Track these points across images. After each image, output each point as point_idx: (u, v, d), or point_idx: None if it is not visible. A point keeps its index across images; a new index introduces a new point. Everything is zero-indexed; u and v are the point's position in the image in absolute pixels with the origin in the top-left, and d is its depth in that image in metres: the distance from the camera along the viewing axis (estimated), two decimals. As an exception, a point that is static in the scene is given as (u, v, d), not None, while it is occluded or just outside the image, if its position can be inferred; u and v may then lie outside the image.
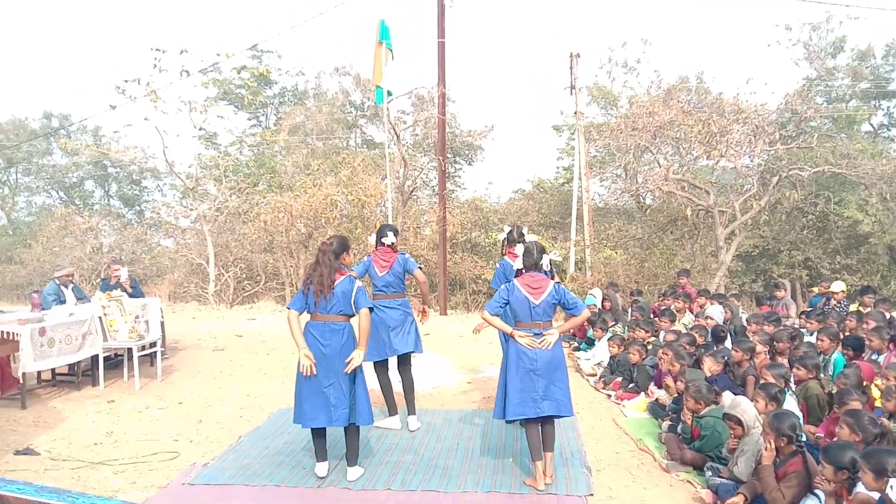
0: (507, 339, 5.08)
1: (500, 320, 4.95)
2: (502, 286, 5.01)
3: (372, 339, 5.61)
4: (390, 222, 10.05)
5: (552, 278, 4.99)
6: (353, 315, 4.94)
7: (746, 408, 4.81)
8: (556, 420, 5.01)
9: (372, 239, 6.38)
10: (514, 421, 5.12)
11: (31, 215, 31.61)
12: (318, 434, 5.00)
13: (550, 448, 4.93)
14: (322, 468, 5.01)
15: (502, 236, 6.43)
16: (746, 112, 15.75)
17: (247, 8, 50.77)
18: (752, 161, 16.53)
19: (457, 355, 9.44)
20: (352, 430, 4.97)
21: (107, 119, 53.90)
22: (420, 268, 6.31)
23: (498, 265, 6.36)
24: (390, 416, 6.24)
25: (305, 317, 5.01)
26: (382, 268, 6.16)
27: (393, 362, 6.29)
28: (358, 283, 4.97)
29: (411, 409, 6.28)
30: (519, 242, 5.93)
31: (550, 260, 5.01)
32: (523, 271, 4.98)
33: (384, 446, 5.69)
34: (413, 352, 6.20)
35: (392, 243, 6.22)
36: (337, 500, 4.61)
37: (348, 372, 4.82)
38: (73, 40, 53.09)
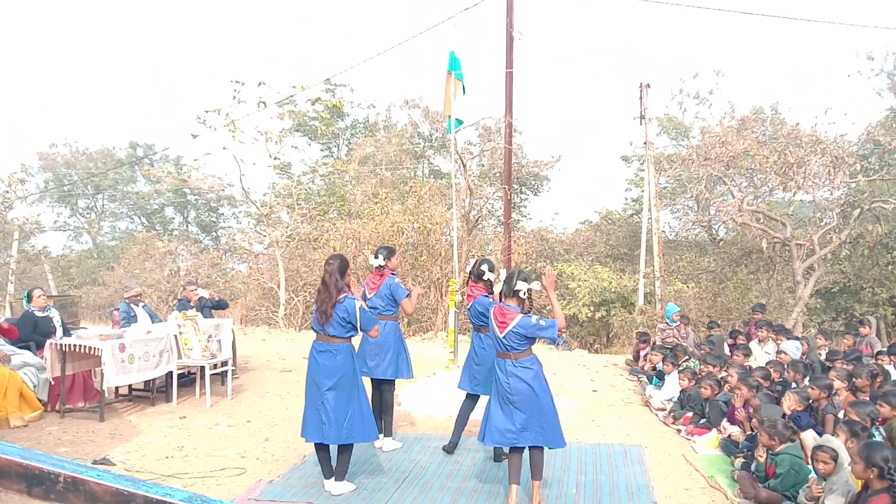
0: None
1: None
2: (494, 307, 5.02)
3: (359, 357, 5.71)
4: (455, 250, 10.06)
5: (524, 309, 4.81)
6: (352, 336, 5.03)
7: (840, 444, 4.60)
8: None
9: (372, 259, 6.45)
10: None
11: (115, 240, 33.32)
12: (320, 449, 5.08)
13: (536, 476, 4.79)
14: (329, 484, 5.08)
15: (468, 269, 6.32)
16: (825, 143, 15.20)
17: (321, 43, 52.61)
18: (831, 193, 15.90)
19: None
20: (345, 448, 5.04)
21: (188, 148, 56.41)
22: (408, 296, 6.22)
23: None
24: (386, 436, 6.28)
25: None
26: (371, 290, 6.28)
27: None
28: (358, 304, 5.00)
29: (387, 431, 6.28)
30: (481, 279, 5.97)
31: (529, 289, 4.80)
32: (501, 299, 4.92)
33: (446, 472, 5.66)
34: (394, 378, 6.23)
35: (380, 266, 6.29)
36: (398, 522, 4.60)
37: None
38: (159, 73, 56.11)
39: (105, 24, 59.62)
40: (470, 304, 6.05)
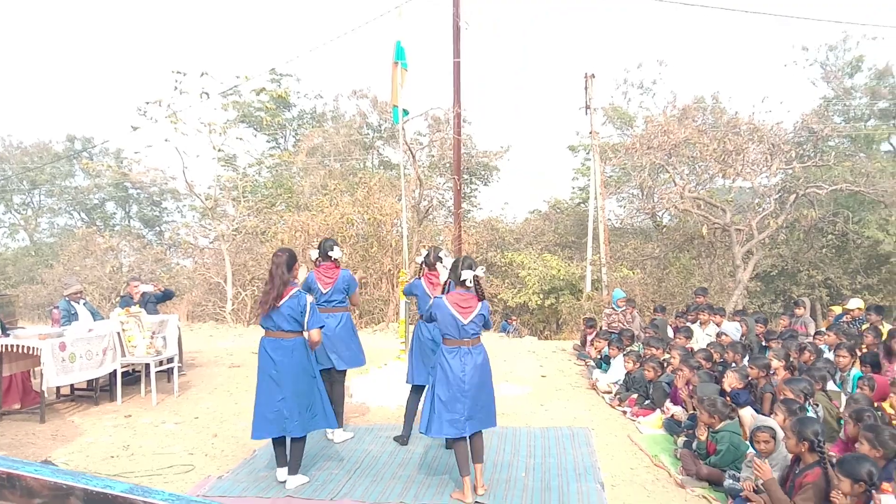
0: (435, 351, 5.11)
1: None
2: (432, 300, 5.03)
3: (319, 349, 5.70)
4: (405, 241, 10.06)
5: (479, 294, 4.91)
6: (304, 330, 5.00)
7: (774, 423, 4.81)
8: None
9: (313, 254, 6.35)
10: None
11: (53, 236, 32.20)
12: (278, 443, 5.09)
13: (480, 460, 4.92)
14: (282, 473, 5.11)
15: (420, 259, 6.35)
16: (762, 131, 15.73)
17: (266, 32, 51.66)
18: (769, 180, 16.47)
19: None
20: (298, 442, 5.04)
21: (128, 141, 54.84)
22: (357, 291, 6.39)
23: (411, 282, 6.38)
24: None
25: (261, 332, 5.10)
26: (326, 284, 6.18)
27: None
28: (309, 299, 5.00)
29: (338, 422, 6.25)
30: (438, 265, 6.01)
31: (474, 276, 4.89)
32: (448, 287, 4.97)
33: (397, 461, 5.69)
34: (341, 371, 6.24)
35: (338, 258, 6.25)
36: (350, 512, 4.61)
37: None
38: (96, 64, 54.28)
39: (37, 10, 57.32)
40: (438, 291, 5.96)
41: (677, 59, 47.90)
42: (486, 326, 5.03)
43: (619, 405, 7.60)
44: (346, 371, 6.31)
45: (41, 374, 6.99)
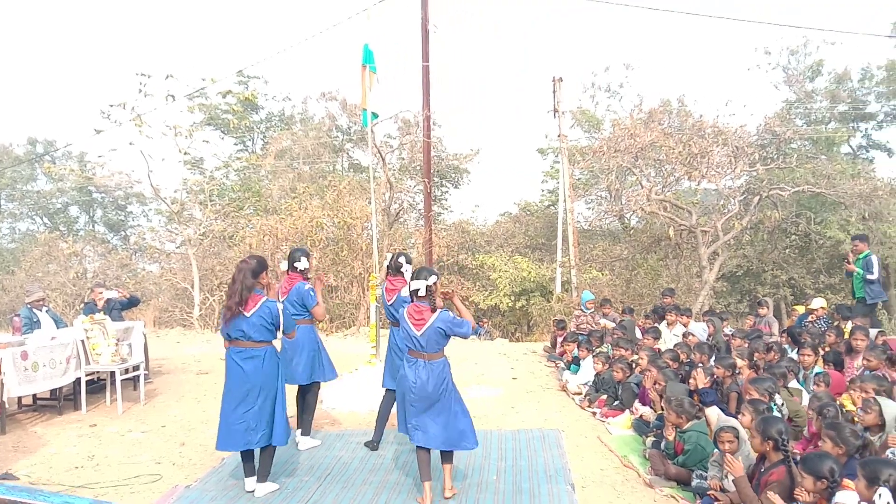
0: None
1: None
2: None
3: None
4: (375, 245, 10.00)
5: (432, 305, 4.76)
6: (274, 339, 4.96)
7: (737, 423, 4.89)
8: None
9: (283, 265, 6.23)
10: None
11: (15, 242, 31.46)
12: (246, 453, 5.03)
13: (449, 461, 4.89)
14: (250, 483, 5.05)
15: (385, 264, 6.31)
16: (726, 134, 16.00)
17: (233, 34, 51.16)
18: (733, 182, 16.76)
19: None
20: (267, 449, 5.00)
21: (92, 144, 53.82)
22: (318, 304, 5.98)
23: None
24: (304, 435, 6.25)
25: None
26: (283, 293, 6.07)
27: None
28: (280, 306, 4.94)
29: (305, 430, 6.25)
30: (399, 272, 6.00)
31: (427, 286, 4.76)
32: (413, 298, 4.90)
33: (368, 466, 5.67)
34: (310, 382, 6.12)
35: (304, 269, 6.08)
36: (320, 519, 4.58)
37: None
38: (58, 66, 53.21)
39: (-4, 13, 55.96)
40: (392, 298, 5.99)
41: (644, 62, 48.64)
42: (461, 334, 4.75)
43: (588, 406, 7.66)
44: (318, 383, 6.23)
45: (2, 384, 6.80)
